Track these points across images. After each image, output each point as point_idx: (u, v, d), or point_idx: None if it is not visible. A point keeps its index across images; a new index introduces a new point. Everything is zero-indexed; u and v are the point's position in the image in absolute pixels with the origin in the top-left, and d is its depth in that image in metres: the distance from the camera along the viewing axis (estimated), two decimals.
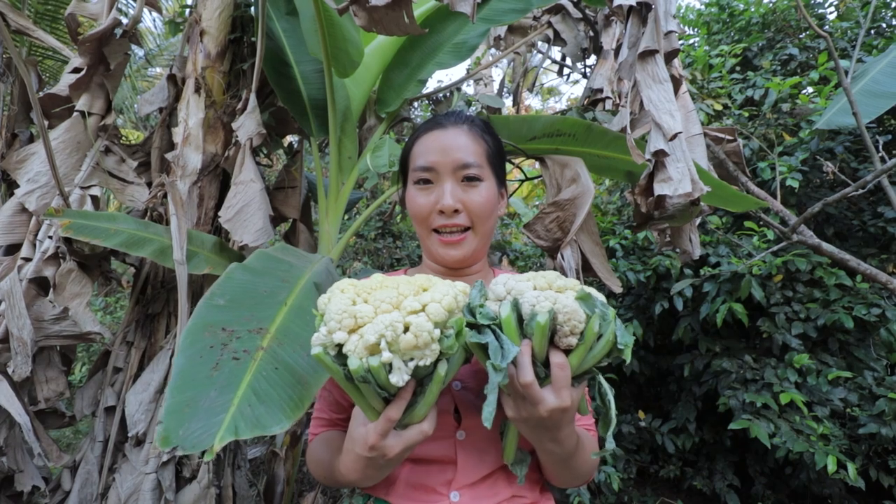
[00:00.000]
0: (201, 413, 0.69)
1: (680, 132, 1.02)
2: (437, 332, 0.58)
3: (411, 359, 0.57)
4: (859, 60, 2.70)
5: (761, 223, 2.45)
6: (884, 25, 3.25)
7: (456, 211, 0.81)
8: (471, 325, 0.63)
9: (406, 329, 0.57)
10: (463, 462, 0.76)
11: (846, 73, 2.14)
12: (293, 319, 0.89)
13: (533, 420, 0.64)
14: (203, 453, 0.66)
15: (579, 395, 0.64)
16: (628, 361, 0.61)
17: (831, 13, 3.57)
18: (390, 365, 0.57)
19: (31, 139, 1.90)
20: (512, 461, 0.75)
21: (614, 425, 0.67)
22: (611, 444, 0.66)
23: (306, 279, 1.06)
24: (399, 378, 0.56)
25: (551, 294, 0.62)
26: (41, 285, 1.52)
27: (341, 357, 0.58)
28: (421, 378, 0.61)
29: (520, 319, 0.63)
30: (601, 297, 0.65)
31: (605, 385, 0.66)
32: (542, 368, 0.63)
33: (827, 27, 3.34)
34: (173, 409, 0.69)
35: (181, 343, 0.79)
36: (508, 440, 0.74)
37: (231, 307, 0.88)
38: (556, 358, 0.61)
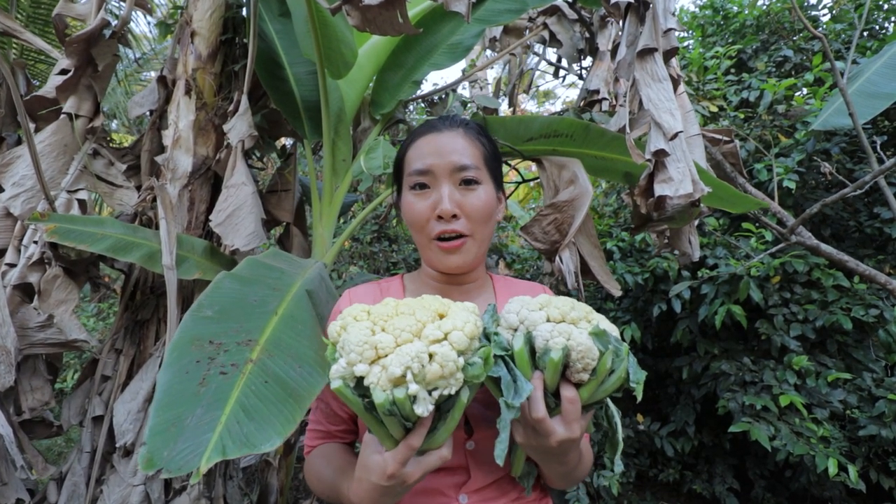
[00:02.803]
0: (187, 432, 0.65)
1: (681, 131, 1.00)
2: (462, 360, 0.58)
3: (435, 388, 0.57)
4: (854, 62, 2.71)
5: (759, 224, 2.44)
6: (877, 27, 3.27)
7: (454, 216, 0.78)
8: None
9: (431, 358, 0.56)
10: (474, 470, 0.76)
11: (841, 74, 2.14)
12: (284, 330, 0.86)
13: (541, 448, 0.64)
14: (189, 475, 0.63)
15: (588, 423, 0.65)
16: (640, 399, 0.61)
17: (824, 15, 3.59)
18: (415, 396, 0.56)
19: (19, 142, 1.86)
20: (520, 474, 0.76)
21: (621, 448, 0.67)
22: (619, 467, 0.67)
23: (298, 287, 1.03)
24: (424, 409, 0.56)
25: (565, 328, 0.61)
26: (26, 292, 1.48)
27: (360, 388, 0.57)
28: (440, 404, 0.60)
29: (532, 351, 0.62)
30: (615, 331, 0.64)
31: (613, 408, 0.66)
32: (553, 399, 0.63)
33: (821, 29, 3.36)
34: (158, 428, 0.66)
35: (166, 359, 0.76)
36: (517, 457, 0.75)
37: (219, 318, 0.84)
38: (568, 392, 0.61)
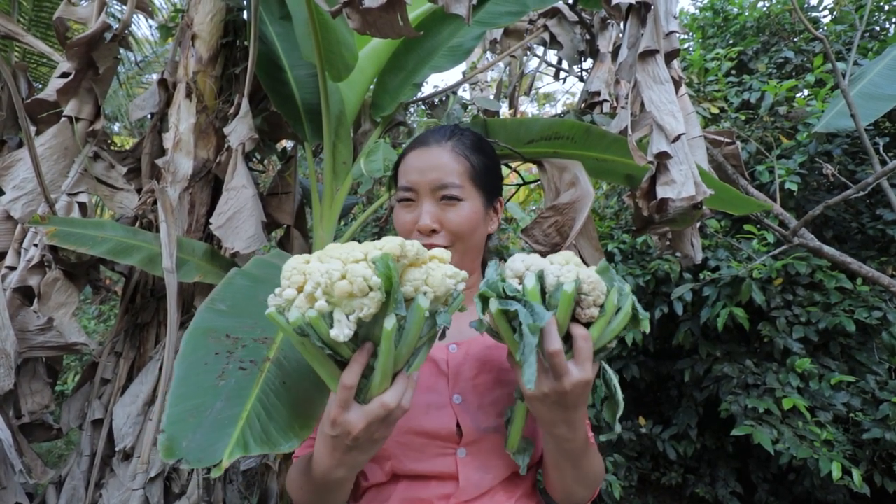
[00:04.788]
0: (207, 424, 0.65)
1: (683, 133, 1.00)
2: (377, 279, 0.53)
3: (352, 311, 0.53)
4: (855, 63, 2.70)
5: (761, 226, 2.43)
6: (877, 28, 3.27)
7: (434, 231, 0.81)
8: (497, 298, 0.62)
9: (343, 277, 0.53)
10: (464, 479, 0.74)
11: (843, 75, 2.13)
12: None
13: (554, 395, 0.61)
14: (208, 469, 0.62)
15: (595, 371, 0.64)
16: (648, 331, 0.63)
17: (825, 17, 3.59)
18: (331, 317, 0.53)
19: (20, 145, 1.86)
20: (515, 450, 0.73)
21: (622, 409, 0.67)
22: (618, 428, 0.67)
23: None
24: (339, 332, 0.52)
25: (573, 267, 0.62)
26: (26, 295, 1.48)
27: None
28: (378, 341, 0.56)
29: (543, 292, 0.62)
30: (613, 272, 0.66)
31: (609, 371, 0.66)
32: (563, 343, 0.62)
33: (822, 30, 3.35)
34: (177, 417, 0.65)
35: (183, 348, 0.75)
36: (514, 427, 0.72)
37: (233, 313, 0.85)
38: (579, 330, 0.62)
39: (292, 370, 0.77)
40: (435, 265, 0.60)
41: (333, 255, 0.57)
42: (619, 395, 0.66)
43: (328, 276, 0.53)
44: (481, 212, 0.85)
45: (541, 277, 0.62)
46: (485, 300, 0.63)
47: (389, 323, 0.54)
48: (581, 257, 1.43)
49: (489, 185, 0.88)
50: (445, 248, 0.79)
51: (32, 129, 1.62)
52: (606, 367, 0.67)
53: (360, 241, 0.60)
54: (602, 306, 0.61)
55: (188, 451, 0.61)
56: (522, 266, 0.65)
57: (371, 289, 0.53)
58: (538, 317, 0.57)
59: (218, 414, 0.66)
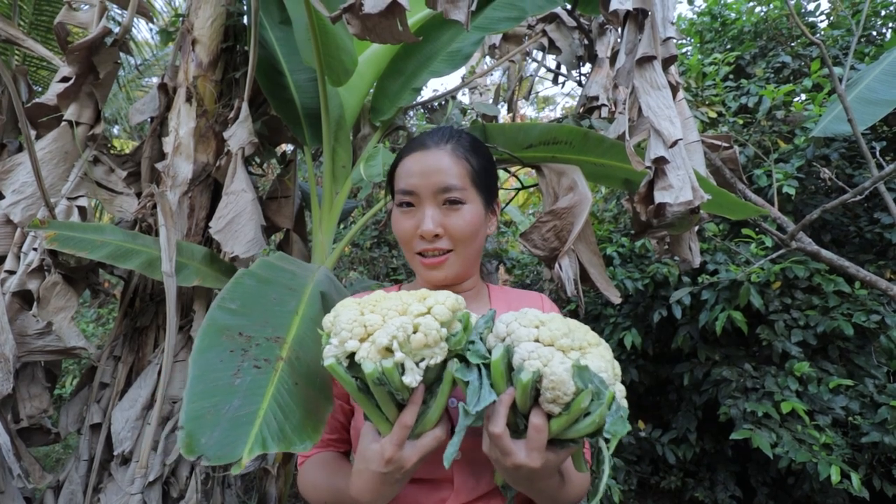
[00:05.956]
0: (224, 422, 0.65)
1: (680, 139, 1.00)
2: (444, 330, 0.60)
3: (422, 359, 0.59)
4: (852, 67, 2.71)
5: (759, 230, 2.44)
6: (874, 33, 3.29)
7: (437, 235, 0.80)
8: (460, 359, 0.63)
9: (415, 330, 0.59)
10: (459, 482, 0.75)
11: (840, 80, 2.14)
12: (307, 332, 0.87)
13: (500, 467, 0.62)
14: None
15: (558, 460, 0.60)
16: (610, 451, 0.57)
17: (822, 21, 3.61)
18: (403, 366, 0.58)
19: (20, 149, 1.86)
20: (502, 483, 0.73)
21: (600, 496, 0.61)
22: None
23: (311, 288, 1.04)
24: (412, 378, 0.58)
25: (546, 353, 0.58)
26: (25, 299, 1.48)
27: (353, 368, 0.60)
28: (430, 383, 0.62)
29: (510, 366, 0.61)
30: (606, 371, 0.58)
31: (606, 453, 0.59)
32: (523, 420, 0.60)
33: (818, 35, 3.37)
34: (195, 414, 0.66)
35: (198, 344, 0.76)
36: None
37: (244, 312, 0.85)
38: (535, 419, 0.58)
39: (303, 371, 0.77)
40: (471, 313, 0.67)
41: (387, 306, 0.62)
42: (603, 484, 0.59)
43: (404, 331, 0.58)
44: (482, 215, 0.84)
45: (508, 352, 0.60)
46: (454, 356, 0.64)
47: (453, 366, 0.61)
48: (579, 261, 1.44)
49: (488, 187, 0.87)
50: (447, 251, 0.81)
51: (32, 133, 1.62)
52: (604, 448, 0.59)
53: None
54: (567, 405, 0.56)
55: (207, 447, 0.62)
56: (504, 331, 0.63)
57: (441, 339, 0.60)
58: (480, 400, 0.58)
59: (235, 411, 0.67)
